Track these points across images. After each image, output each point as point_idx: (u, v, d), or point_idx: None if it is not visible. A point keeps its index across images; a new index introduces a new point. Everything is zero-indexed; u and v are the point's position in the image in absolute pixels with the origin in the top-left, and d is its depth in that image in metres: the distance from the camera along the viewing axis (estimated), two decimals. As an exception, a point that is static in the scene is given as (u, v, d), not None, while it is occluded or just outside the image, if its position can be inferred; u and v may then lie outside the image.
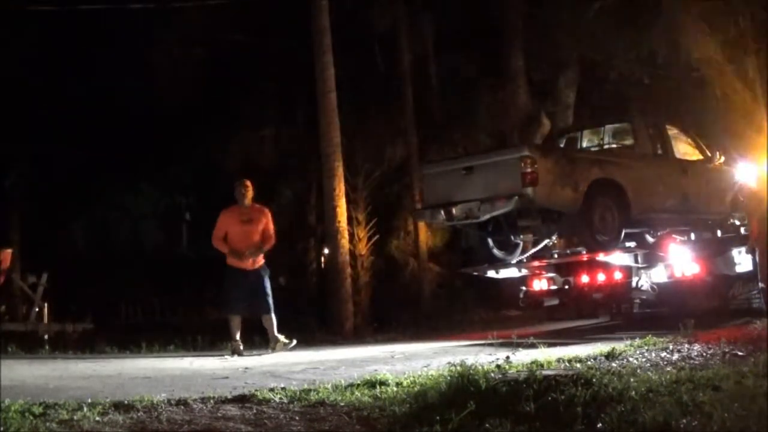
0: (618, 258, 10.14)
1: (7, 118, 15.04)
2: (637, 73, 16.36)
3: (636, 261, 10.36)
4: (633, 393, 4.84)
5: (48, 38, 15.32)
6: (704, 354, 6.79)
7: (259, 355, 8.92)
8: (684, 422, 4.27)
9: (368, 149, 16.50)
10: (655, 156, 10.81)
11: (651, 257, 10.50)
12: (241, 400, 5.22)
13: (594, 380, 5.10)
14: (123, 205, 22.78)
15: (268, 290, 9.24)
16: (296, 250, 18.69)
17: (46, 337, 11.21)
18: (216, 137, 16.45)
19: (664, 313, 10.95)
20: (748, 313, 10.43)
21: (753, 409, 4.41)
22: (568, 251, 11.36)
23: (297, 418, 4.83)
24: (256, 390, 5.44)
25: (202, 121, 16.50)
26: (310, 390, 5.51)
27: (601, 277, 10.29)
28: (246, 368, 7.40)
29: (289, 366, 7.47)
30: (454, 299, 16.36)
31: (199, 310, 17.44)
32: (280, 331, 9.34)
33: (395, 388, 5.61)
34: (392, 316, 14.51)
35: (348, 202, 14.11)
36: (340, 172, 13.18)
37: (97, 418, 4.61)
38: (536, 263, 10.73)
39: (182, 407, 4.97)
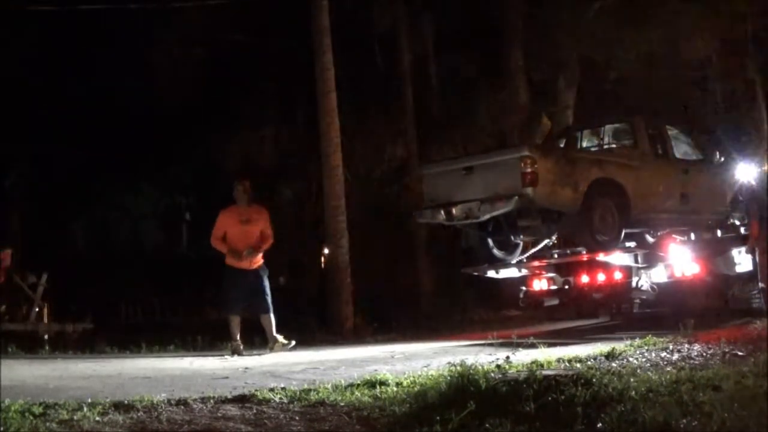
0: (618, 258, 10.14)
1: (7, 118, 15.04)
2: (637, 73, 16.37)
3: (636, 261, 10.36)
4: (633, 393, 4.84)
5: (48, 38, 15.31)
6: (704, 354, 6.79)
7: (259, 355, 8.92)
8: (684, 422, 4.27)
9: (368, 149, 16.50)
10: (655, 156, 10.80)
11: (651, 257, 10.50)
12: (241, 400, 5.22)
13: (594, 380, 5.10)
14: (123, 205, 22.76)
15: (267, 290, 9.24)
16: (296, 250, 18.67)
17: (46, 337, 11.19)
18: (216, 137, 16.44)
19: (664, 313, 10.94)
20: (748, 313, 10.43)
21: (753, 409, 4.41)
22: (568, 251, 11.35)
23: (297, 418, 4.83)
24: (256, 390, 5.44)
25: (202, 121, 16.49)
26: (310, 390, 5.51)
27: (601, 277, 10.29)
28: (246, 368, 7.40)
29: (289, 366, 7.47)
30: (454, 299, 16.34)
31: (199, 310, 17.41)
32: (279, 331, 9.34)
33: (395, 388, 5.61)
34: (392, 316, 14.51)
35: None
36: (340, 172, 13.18)
37: (97, 418, 4.61)
38: (536, 263, 10.73)
39: (182, 407, 4.97)
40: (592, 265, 10.28)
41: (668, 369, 5.97)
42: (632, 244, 10.76)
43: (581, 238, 10.49)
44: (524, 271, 10.84)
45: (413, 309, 15.73)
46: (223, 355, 8.90)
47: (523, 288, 10.96)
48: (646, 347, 7.31)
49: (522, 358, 6.58)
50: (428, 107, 17.26)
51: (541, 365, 6.01)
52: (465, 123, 16.95)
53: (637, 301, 11.07)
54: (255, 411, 4.95)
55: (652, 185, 10.41)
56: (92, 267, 20.16)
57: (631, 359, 6.68)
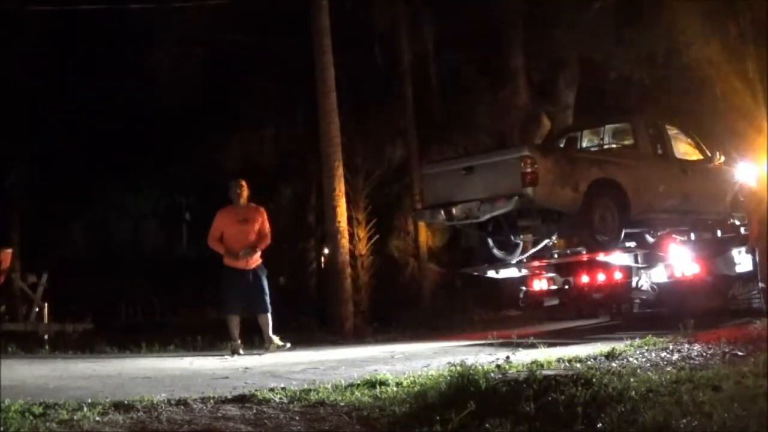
0: (618, 258, 10.13)
1: (7, 118, 15.03)
2: (637, 73, 16.37)
3: (636, 261, 10.35)
4: (633, 393, 4.84)
5: (48, 38, 15.30)
6: (704, 354, 6.78)
7: (259, 355, 8.92)
8: (684, 422, 4.26)
9: (368, 149, 16.50)
10: (655, 156, 10.80)
11: (651, 257, 10.50)
12: (241, 400, 5.22)
13: (594, 380, 5.10)
14: (123, 205, 22.76)
15: (266, 289, 9.23)
16: (296, 250, 18.68)
17: (46, 337, 11.21)
18: (216, 137, 16.45)
19: (664, 313, 10.95)
20: (748, 313, 10.44)
21: (753, 409, 4.41)
22: (568, 251, 11.36)
23: (297, 418, 4.83)
24: (256, 390, 5.44)
25: (202, 121, 16.50)
26: (310, 390, 5.51)
27: (601, 277, 10.29)
28: (246, 368, 7.40)
29: (289, 366, 7.47)
30: (454, 299, 16.35)
31: (199, 310, 17.43)
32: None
33: (395, 388, 5.61)
34: (392, 316, 14.51)
35: (348, 202, 14.11)
36: (340, 172, 13.18)
37: (97, 418, 4.61)
38: (536, 263, 10.72)
39: (182, 407, 4.97)
40: (592, 265, 10.27)
41: (668, 369, 5.97)
42: (632, 244, 10.76)
43: (581, 238, 10.50)
44: (524, 271, 10.84)
45: (413, 309, 15.74)
46: (223, 355, 8.90)
47: (523, 288, 10.96)
48: (646, 347, 7.30)
49: (522, 358, 6.58)
50: (428, 107, 17.26)
51: (541, 365, 6.01)
52: (465, 123, 16.96)
53: (637, 301, 11.07)
54: (255, 411, 4.95)
55: (652, 185, 10.40)
56: (92, 267, 20.20)
57: (631, 359, 6.68)
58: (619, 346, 7.28)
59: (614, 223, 9.87)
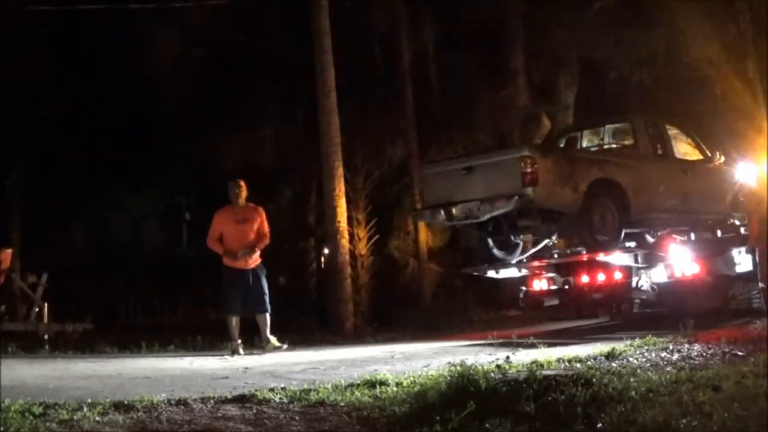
0: (618, 258, 10.13)
1: (7, 118, 15.04)
2: (637, 73, 16.37)
3: (636, 261, 10.35)
4: (633, 393, 4.84)
5: (48, 38, 15.30)
6: (704, 354, 6.78)
7: (259, 355, 8.92)
8: (684, 422, 4.26)
9: (368, 149, 16.50)
10: (655, 156, 10.80)
11: (651, 257, 10.49)
12: (241, 400, 5.22)
13: (594, 380, 5.10)
14: (123, 205, 22.77)
15: (265, 289, 9.24)
16: (296, 250, 18.69)
17: (46, 337, 11.21)
18: (216, 137, 16.45)
19: (664, 313, 10.95)
20: (748, 313, 10.44)
21: (753, 409, 4.41)
22: (568, 251, 11.36)
23: (297, 418, 4.83)
24: (256, 390, 5.44)
25: (202, 121, 16.50)
26: (310, 390, 5.51)
27: (601, 277, 10.28)
28: (246, 368, 7.40)
29: (289, 366, 7.47)
30: (454, 299, 16.35)
31: (199, 310, 17.45)
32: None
33: (395, 388, 5.61)
34: (392, 316, 14.52)
35: (348, 202, 14.11)
36: (340, 172, 13.18)
37: (97, 418, 4.61)
38: (536, 263, 10.72)
39: (182, 407, 4.97)
40: (592, 265, 10.26)
41: (668, 369, 5.97)
42: (632, 244, 10.76)
43: (581, 238, 10.49)
44: (524, 271, 10.84)
45: (413, 309, 15.74)
46: (223, 355, 8.90)
47: (523, 288, 10.95)
48: (646, 347, 7.30)
49: (522, 358, 6.57)
50: (428, 107, 17.26)
51: (541, 365, 6.01)
52: (465, 123, 16.95)
53: (637, 301, 11.07)
54: (255, 411, 4.95)
55: (652, 185, 10.40)
56: (92, 267, 20.22)
57: (631, 359, 6.68)
58: (619, 346, 7.27)
59: (614, 223, 9.87)
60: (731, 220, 11.84)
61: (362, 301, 15.22)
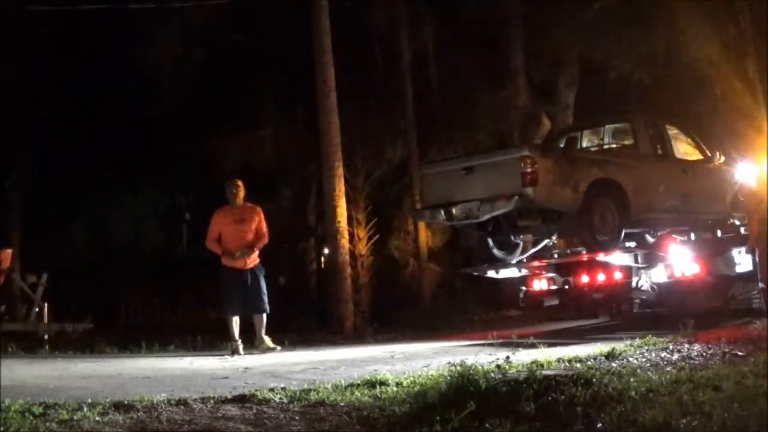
0: (618, 258, 10.13)
1: (7, 118, 15.03)
2: (637, 73, 16.37)
3: (636, 261, 10.35)
4: (633, 393, 4.84)
5: (48, 38, 15.31)
6: (704, 354, 6.78)
7: (259, 355, 8.92)
8: (684, 422, 4.26)
9: (368, 149, 16.51)
10: (655, 156, 10.80)
11: (651, 257, 10.49)
12: (241, 400, 5.22)
13: (594, 380, 5.10)
14: (123, 205, 22.76)
15: (264, 289, 9.23)
16: (296, 250, 18.69)
17: (46, 337, 11.20)
18: (216, 137, 16.46)
19: (664, 313, 10.95)
20: (748, 313, 10.43)
21: (753, 409, 4.40)
22: (568, 251, 11.36)
23: (297, 418, 4.83)
24: (256, 390, 5.44)
25: (202, 121, 16.50)
26: (310, 390, 5.51)
27: (601, 277, 10.28)
28: (246, 368, 7.40)
29: (289, 366, 7.47)
30: (454, 299, 16.36)
31: (199, 310, 17.44)
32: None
33: (395, 388, 5.60)
34: (392, 316, 14.52)
35: (348, 202, 14.12)
36: (340, 172, 13.19)
37: (97, 418, 4.61)
38: (536, 263, 10.72)
39: (182, 407, 4.97)
40: (592, 265, 10.27)
41: (668, 369, 5.97)
42: (632, 244, 10.76)
43: (581, 238, 10.49)
44: (524, 271, 10.84)
45: (413, 309, 15.75)
46: (223, 355, 8.90)
47: (523, 288, 10.96)
48: (646, 347, 7.30)
49: (522, 358, 6.57)
50: (428, 107, 17.27)
51: (541, 365, 6.01)
52: (465, 123, 16.96)
53: (637, 301, 11.07)
54: (255, 411, 4.95)
55: (652, 185, 10.40)
56: (92, 267, 20.19)
57: (631, 359, 6.67)
58: (619, 346, 7.27)
59: (614, 223, 9.86)
60: (731, 220, 11.83)
61: (362, 301, 15.23)
